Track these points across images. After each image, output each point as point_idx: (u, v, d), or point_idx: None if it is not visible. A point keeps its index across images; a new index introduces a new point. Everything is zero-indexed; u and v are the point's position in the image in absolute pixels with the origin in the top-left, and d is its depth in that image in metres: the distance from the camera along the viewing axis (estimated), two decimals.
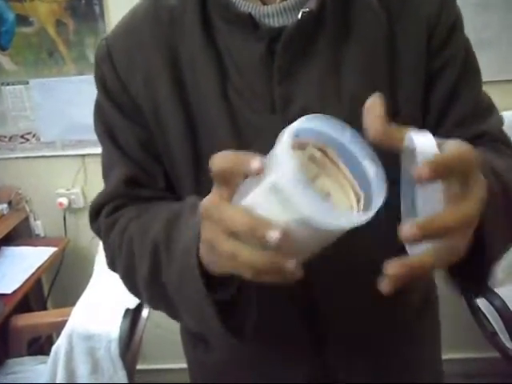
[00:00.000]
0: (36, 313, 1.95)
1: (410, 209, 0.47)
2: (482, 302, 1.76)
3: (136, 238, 0.63)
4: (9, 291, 1.75)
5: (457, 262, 0.44)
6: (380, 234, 0.54)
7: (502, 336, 1.68)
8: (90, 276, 1.75)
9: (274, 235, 0.40)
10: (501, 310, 1.61)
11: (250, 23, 0.62)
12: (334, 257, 0.50)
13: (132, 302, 1.57)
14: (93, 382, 1.46)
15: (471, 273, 0.54)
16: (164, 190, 0.69)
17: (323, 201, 0.40)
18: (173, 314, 0.61)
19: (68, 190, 2.14)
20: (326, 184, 0.47)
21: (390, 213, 0.44)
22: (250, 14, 0.62)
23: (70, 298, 1.88)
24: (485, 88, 0.71)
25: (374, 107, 0.43)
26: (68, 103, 2.02)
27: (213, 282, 0.50)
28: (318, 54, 0.63)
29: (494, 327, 1.72)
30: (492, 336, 1.72)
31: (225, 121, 0.63)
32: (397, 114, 0.63)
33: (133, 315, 1.57)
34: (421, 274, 0.42)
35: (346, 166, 0.46)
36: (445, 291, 0.67)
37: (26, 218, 2.15)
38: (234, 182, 0.44)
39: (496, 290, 1.66)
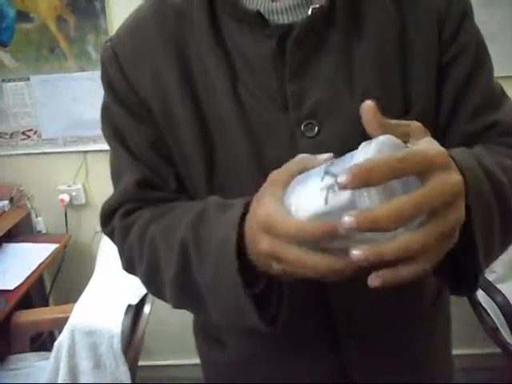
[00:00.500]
0: (38, 309, 1.94)
1: None
2: (482, 298, 1.76)
3: (159, 240, 0.62)
4: (11, 288, 1.76)
5: (445, 262, 0.45)
6: None
7: (503, 331, 1.68)
8: (91, 272, 1.75)
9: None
10: (503, 305, 1.62)
11: (258, 21, 0.61)
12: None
13: (134, 297, 1.57)
14: (95, 378, 1.46)
15: (459, 273, 0.54)
16: (176, 191, 0.68)
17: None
18: (200, 310, 0.62)
19: (69, 186, 2.14)
20: None
21: None
22: (258, 11, 0.61)
23: (71, 294, 1.89)
24: None
25: (369, 108, 0.45)
26: (69, 100, 2.02)
27: (245, 277, 0.52)
28: (329, 50, 0.62)
29: (494, 322, 1.73)
30: (493, 331, 1.73)
31: (237, 120, 0.62)
32: (409, 108, 0.63)
33: (135, 311, 1.58)
34: (390, 262, 0.42)
35: None
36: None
37: (28, 215, 2.15)
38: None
39: (498, 285, 1.66)
